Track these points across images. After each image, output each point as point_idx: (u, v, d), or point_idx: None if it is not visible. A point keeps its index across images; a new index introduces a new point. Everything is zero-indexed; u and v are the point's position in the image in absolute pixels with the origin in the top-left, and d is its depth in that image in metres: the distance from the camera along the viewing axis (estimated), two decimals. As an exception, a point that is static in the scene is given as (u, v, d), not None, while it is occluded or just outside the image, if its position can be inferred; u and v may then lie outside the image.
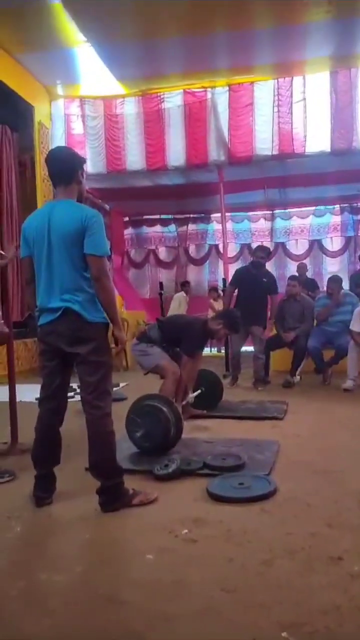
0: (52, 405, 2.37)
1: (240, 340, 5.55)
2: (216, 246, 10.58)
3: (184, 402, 3.81)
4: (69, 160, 2.39)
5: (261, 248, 5.99)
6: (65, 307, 2.24)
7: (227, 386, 5.41)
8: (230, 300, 5.69)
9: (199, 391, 4.03)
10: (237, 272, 6.09)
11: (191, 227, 10.81)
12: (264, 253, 5.75)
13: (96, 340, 2.27)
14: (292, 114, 7.18)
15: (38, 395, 2.43)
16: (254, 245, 8.28)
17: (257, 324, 5.44)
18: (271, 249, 10.35)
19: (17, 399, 3.39)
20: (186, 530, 2.05)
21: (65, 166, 2.35)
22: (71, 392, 2.90)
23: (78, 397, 2.47)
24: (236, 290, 5.64)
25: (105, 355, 2.32)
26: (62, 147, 2.60)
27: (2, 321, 2.70)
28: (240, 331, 5.01)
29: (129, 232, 10.98)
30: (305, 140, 7.16)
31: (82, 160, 2.46)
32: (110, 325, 2.36)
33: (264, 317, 5.67)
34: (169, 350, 3.87)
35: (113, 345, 2.54)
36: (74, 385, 2.56)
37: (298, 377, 5.66)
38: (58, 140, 7.74)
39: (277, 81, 7.23)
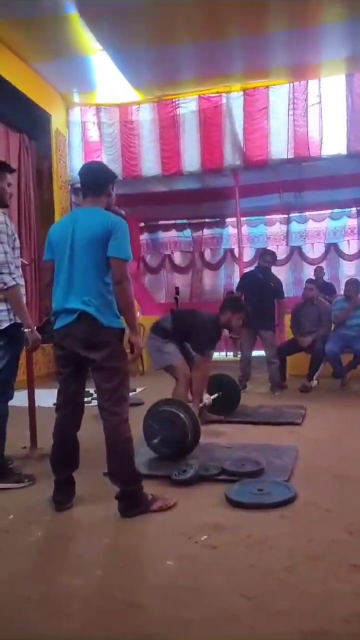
0: (69, 410, 2.40)
1: (249, 345, 5.57)
2: (231, 250, 10.55)
3: (200, 405, 3.80)
4: (102, 174, 2.49)
5: (268, 252, 6.10)
6: (81, 311, 2.26)
7: None
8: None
9: (217, 395, 4.01)
10: (244, 277, 6.17)
11: (206, 231, 10.80)
12: (271, 257, 5.87)
13: (111, 345, 2.28)
14: (307, 117, 7.14)
15: (56, 401, 2.46)
16: (271, 249, 8.27)
17: (265, 328, 5.44)
18: (287, 253, 10.40)
19: (36, 404, 3.42)
20: (205, 536, 2.05)
21: (97, 179, 2.44)
22: (88, 397, 2.92)
23: (95, 402, 2.49)
24: (243, 297, 5.65)
25: (121, 361, 2.33)
26: (97, 161, 2.75)
27: (35, 328, 2.76)
28: (249, 326, 5.09)
29: (144, 237, 11.02)
30: (321, 143, 7.11)
31: (114, 176, 2.55)
32: (127, 330, 2.38)
33: (272, 321, 5.69)
34: (183, 344, 3.85)
35: (129, 351, 2.55)
36: (91, 390, 2.58)
37: (315, 382, 5.61)
38: (75, 147, 7.82)
39: (292, 85, 7.21)
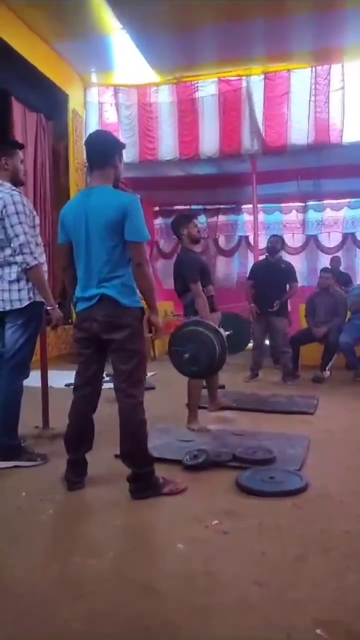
0: (87, 392, 2.39)
1: (261, 333, 5.48)
2: (246, 237, 10.44)
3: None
4: (105, 143, 2.38)
5: (274, 235, 6.04)
6: (101, 294, 2.24)
7: (245, 380, 5.38)
8: (251, 293, 5.61)
9: (229, 332, 3.89)
10: (254, 264, 6.13)
11: (221, 217, 10.68)
12: (278, 239, 5.82)
13: (132, 326, 2.27)
14: (329, 103, 6.98)
15: (68, 382, 2.45)
16: (286, 238, 8.21)
17: (277, 314, 5.36)
18: (303, 242, 10.27)
19: (48, 385, 3.43)
20: (217, 522, 2.05)
21: (100, 150, 2.35)
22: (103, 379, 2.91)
23: (107, 385, 2.48)
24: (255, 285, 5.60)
25: (139, 343, 2.32)
26: (100, 130, 2.59)
27: (57, 305, 2.78)
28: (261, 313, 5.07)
29: (158, 221, 10.94)
30: (342, 130, 6.96)
31: (120, 145, 2.43)
32: (147, 312, 2.36)
33: (285, 307, 5.59)
34: None
35: (149, 332, 2.52)
36: (105, 372, 2.57)
37: (328, 373, 5.56)
38: (92, 128, 7.73)
39: (315, 69, 7.03)
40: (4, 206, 2.59)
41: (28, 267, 2.62)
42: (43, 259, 2.76)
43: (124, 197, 2.29)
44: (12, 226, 2.59)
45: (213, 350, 2.90)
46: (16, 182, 2.76)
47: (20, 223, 2.59)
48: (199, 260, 3.77)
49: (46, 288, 2.73)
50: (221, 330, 3.68)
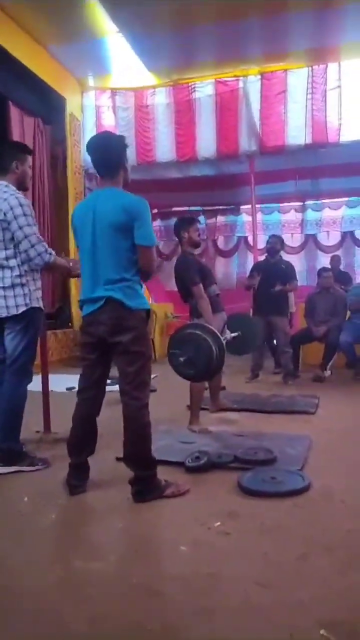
0: (91, 395, 2.39)
1: (262, 332, 5.45)
2: (245, 238, 10.44)
3: (222, 338, 3.63)
4: (113, 147, 2.35)
5: (274, 235, 6.04)
6: (107, 297, 2.24)
7: (246, 381, 5.38)
8: (249, 288, 5.62)
9: (237, 334, 3.89)
10: (254, 265, 6.10)
11: (220, 218, 10.69)
12: (277, 239, 5.80)
13: (137, 328, 2.27)
14: (326, 102, 6.99)
15: (69, 386, 2.45)
16: (285, 237, 8.20)
17: (278, 314, 5.36)
18: (302, 241, 10.26)
19: (49, 389, 3.43)
20: (219, 523, 2.05)
21: (109, 154, 2.32)
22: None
23: (109, 388, 2.48)
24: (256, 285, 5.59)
25: (144, 346, 2.33)
26: (103, 134, 2.53)
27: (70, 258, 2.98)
28: (261, 313, 5.11)
29: (157, 224, 10.93)
30: (339, 129, 6.97)
31: (125, 144, 2.40)
32: (152, 312, 2.38)
33: (286, 307, 5.60)
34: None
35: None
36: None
37: (329, 372, 5.57)
38: (89, 132, 7.75)
39: (312, 68, 7.05)
40: (10, 208, 2.60)
41: (50, 260, 2.67)
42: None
43: (132, 199, 2.28)
44: (20, 228, 2.60)
45: (210, 354, 2.87)
46: (22, 186, 2.78)
47: (29, 225, 2.61)
48: (196, 262, 3.77)
49: (61, 265, 2.83)
50: (227, 332, 3.70)
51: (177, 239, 3.93)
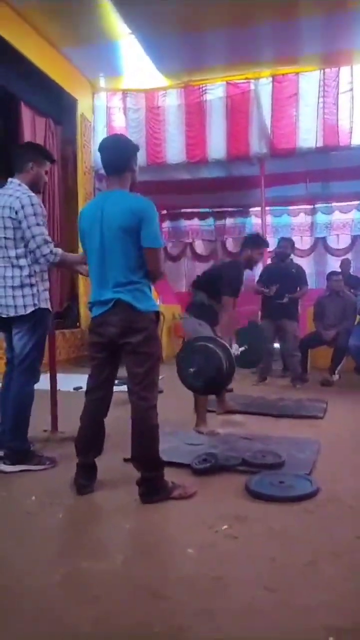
0: (99, 395, 2.39)
1: (271, 336, 5.42)
2: (254, 240, 10.44)
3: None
4: (123, 148, 2.37)
5: (284, 238, 5.98)
6: (116, 299, 2.25)
7: (253, 384, 5.35)
8: (259, 293, 5.57)
9: (244, 347, 3.88)
10: (264, 268, 6.00)
11: (229, 220, 10.71)
12: (288, 243, 5.73)
13: (147, 329, 2.27)
14: (338, 105, 6.98)
15: (76, 385, 2.45)
16: (294, 240, 8.15)
17: (288, 317, 5.33)
18: (311, 244, 10.23)
19: (57, 388, 3.44)
20: (226, 526, 2.03)
21: (118, 155, 2.34)
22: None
23: (117, 388, 2.48)
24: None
25: (154, 347, 2.32)
26: (115, 135, 2.59)
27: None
28: (271, 317, 5.10)
29: (166, 225, 10.98)
30: (351, 132, 6.95)
31: (136, 148, 2.43)
32: (160, 313, 2.38)
33: (296, 311, 5.56)
34: (214, 330, 3.77)
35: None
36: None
37: (337, 376, 5.53)
38: (99, 133, 7.80)
39: (323, 71, 7.04)
40: (22, 207, 2.62)
41: (55, 261, 2.68)
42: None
43: (140, 202, 2.28)
44: (29, 227, 2.62)
45: (220, 367, 2.83)
46: (34, 188, 2.79)
47: (37, 224, 2.63)
48: (242, 279, 3.77)
49: (69, 260, 2.83)
50: (234, 347, 3.69)
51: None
